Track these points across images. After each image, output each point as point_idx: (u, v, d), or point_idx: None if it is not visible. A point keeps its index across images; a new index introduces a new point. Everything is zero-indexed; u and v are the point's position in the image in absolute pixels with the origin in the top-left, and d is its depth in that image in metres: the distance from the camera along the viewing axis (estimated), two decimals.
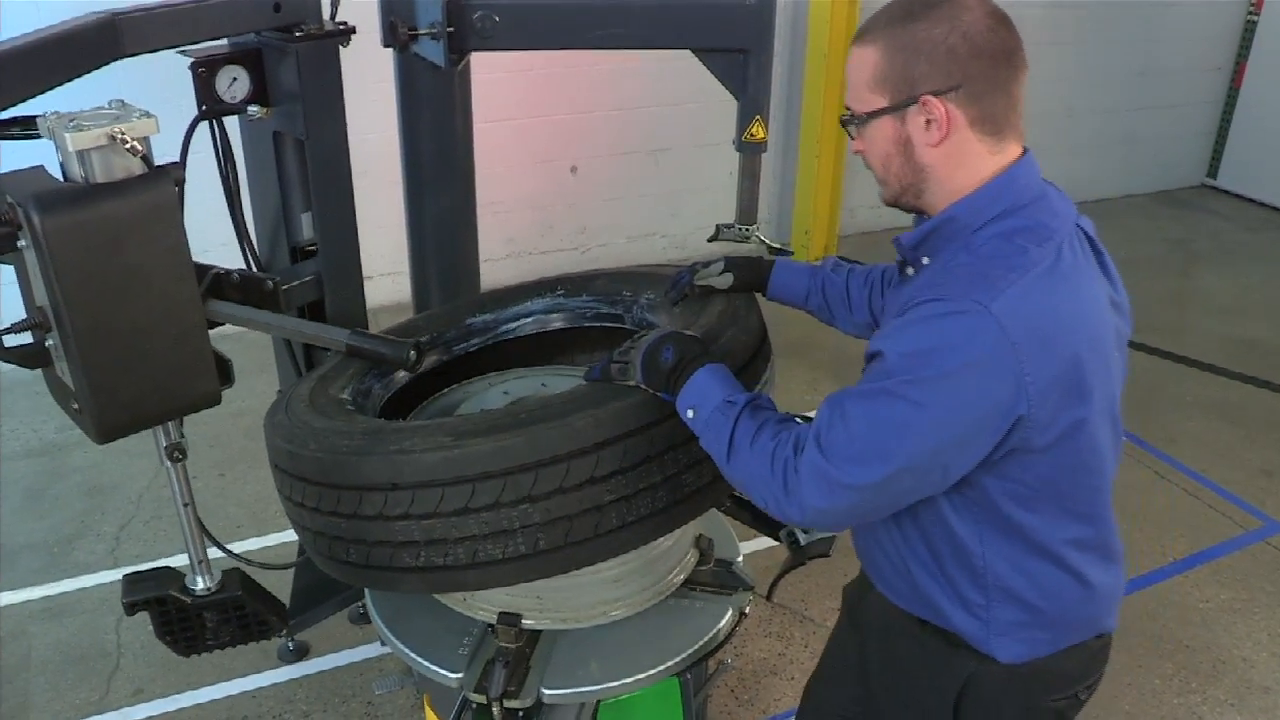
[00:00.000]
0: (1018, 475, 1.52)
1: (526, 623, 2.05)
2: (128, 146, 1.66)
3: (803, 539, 2.38)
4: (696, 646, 2.07)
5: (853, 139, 1.63)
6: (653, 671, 2.02)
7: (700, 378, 1.65)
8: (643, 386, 1.73)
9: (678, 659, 2.05)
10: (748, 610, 2.22)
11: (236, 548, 2.57)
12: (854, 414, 1.46)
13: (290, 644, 3.33)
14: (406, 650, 2.06)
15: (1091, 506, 1.63)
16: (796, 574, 2.50)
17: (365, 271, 2.62)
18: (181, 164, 2.19)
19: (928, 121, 1.51)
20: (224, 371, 2.02)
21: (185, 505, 2.12)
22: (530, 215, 6.10)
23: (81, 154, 1.66)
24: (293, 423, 1.97)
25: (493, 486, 1.70)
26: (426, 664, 2.03)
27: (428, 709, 2.10)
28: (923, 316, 1.43)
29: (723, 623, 2.14)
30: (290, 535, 3.68)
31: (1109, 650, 1.80)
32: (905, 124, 1.53)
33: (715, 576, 2.27)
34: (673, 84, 6.02)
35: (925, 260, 1.60)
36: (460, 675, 1.99)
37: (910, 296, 1.51)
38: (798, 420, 1.59)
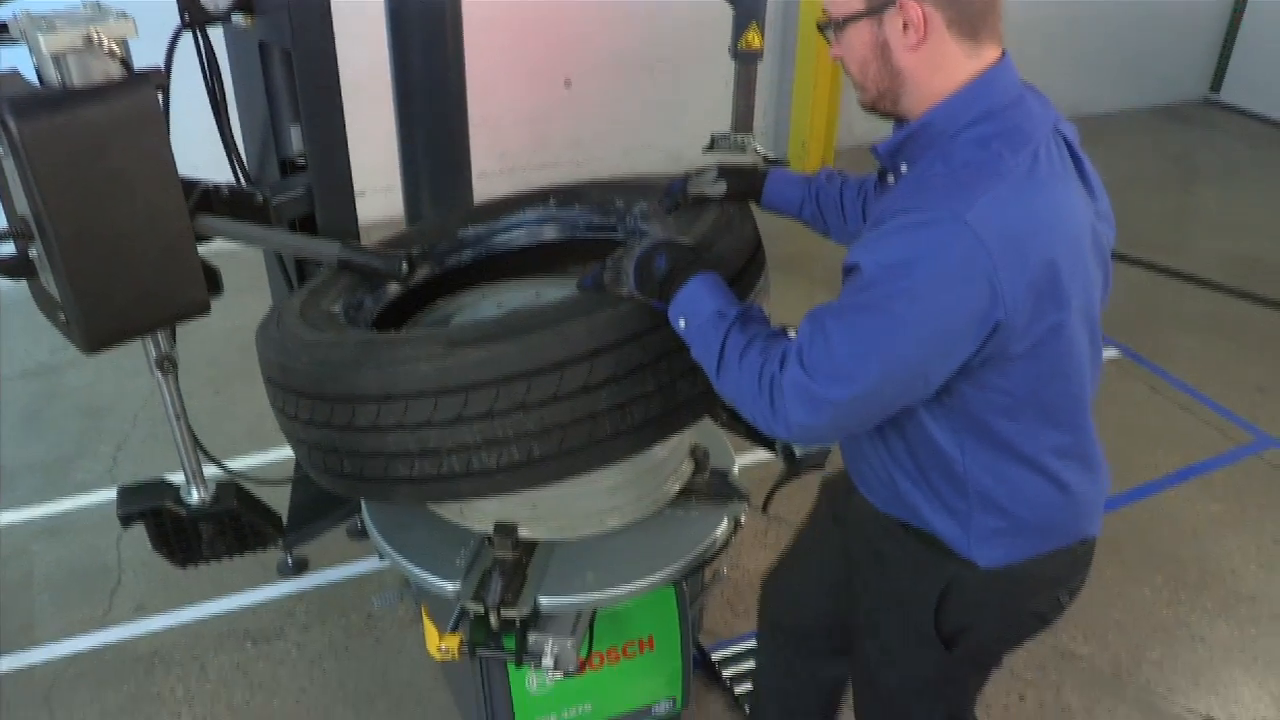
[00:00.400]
0: (996, 383, 1.54)
1: (523, 533, 2.07)
2: (105, 49, 1.62)
3: (798, 451, 2.38)
4: (692, 555, 2.09)
5: (830, 45, 1.62)
6: (649, 579, 2.04)
7: (692, 287, 1.65)
8: (636, 295, 1.72)
9: (674, 567, 2.07)
10: (743, 520, 2.24)
11: (234, 464, 2.58)
12: (834, 330, 1.47)
13: (289, 559, 3.36)
14: (404, 561, 2.08)
15: (1070, 414, 1.64)
16: (792, 486, 2.50)
17: (357, 186, 2.58)
18: (165, 74, 2.15)
19: (905, 25, 1.50)
20: (212, 280, 2.00)
21: (177, 417, 2.11)
22: (524, 129, 6.02)
23: (57, 57, 1.62)
24: (284, 336, 1.96)
25: (486, 395, 1.69)
26: (424, 574, 2.04)
27: (426, 620, 2.13)
28: (898, 227, 1.44)
29: (718, 531, 2.16)
30: (287, 451, 3.68)
31: (1092, 554, 1.82)
32: (882, 27, 1.53)
33: (711, 486, 2.29)
34: None
35: (904, 168, 1.59)
36: (457, 585, 2.01)
37: (886, 207, 1.51)
38: (789, 335, 1.59)
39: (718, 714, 2.88)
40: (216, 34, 2.37)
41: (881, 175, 1.69)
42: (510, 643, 2.00)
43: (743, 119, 2.81)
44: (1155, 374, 4.54)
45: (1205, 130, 7.71)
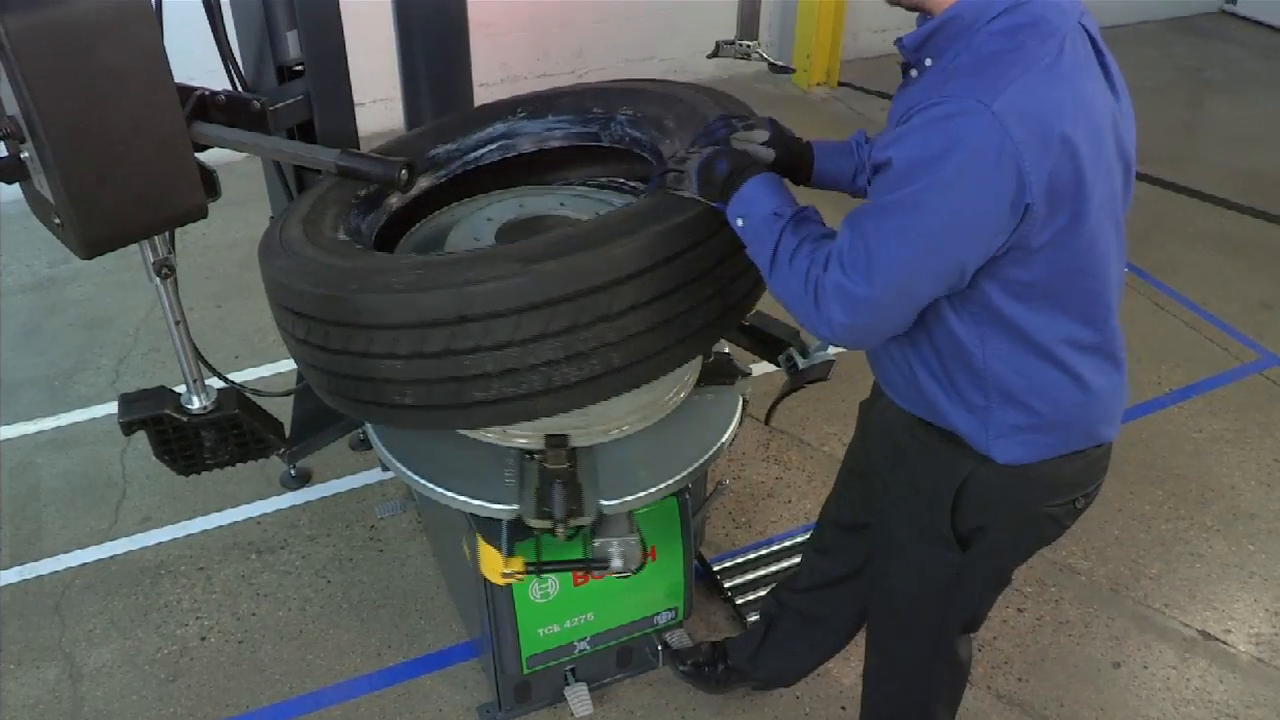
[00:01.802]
0: (1016, 274, 1.56)
1: (576, 442, 2.06)
2: None
3: (801, 363, 2.39)
4: (727, 435, 2.19)
5: None
6: (698, 463, 2.11)
7: (750, 186, 1.70)
8: (698, 196, 1.78)
9: (715, 448, 2.15)
10: (749, 395, 2.33)
11: (235, 377, 2.57)
12: (870, 231, 1.50)
13: (292, 471, 3.38)
14: (450, 493, 2.04)
15: (1091, 308, 1.65)
16: (794, 399, 2.51)
17: (356, 97, 2.54)
18: None
19: None
20: (210, 184, 1.98)
21: (176, 323, 2.11)
22: (524, 38, 5.89)
23: None
24: (314, 265, 1.88)
25: (570, 309, 1.69)
26: (479, 502, 2.01)
27: (483, 546, 2.08)
28: (927, 120, 1.45)
29: (737, 411, 2.27)
30: (289, 364, 3.69)
31: (1108, 460, 1.84)
32: None
33: (715, 368, 2.35)
34: None
35: (928, 62, 1.59)
36: (516, 506, 1.99)
37: (914, 100, 1.52)
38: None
39: (719, 625, 2.91)
40: None
41: (905, 70, 1.67)
42: (579, 552, 2.04)
43: (748, 25, 2.74)
44: (1160, 290, 4.51)
45: (1219, 42, 7.55)
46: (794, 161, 1.94)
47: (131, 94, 1.69)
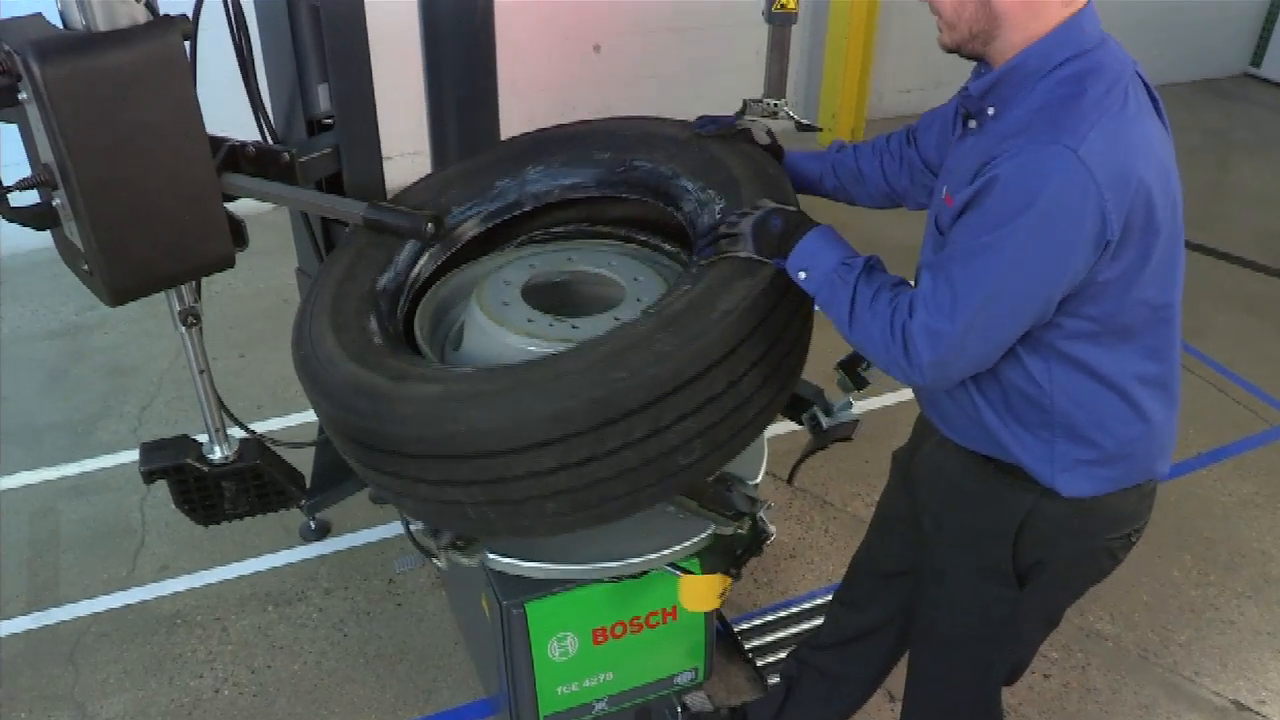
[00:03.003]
0: (1085, 309, 1.60)
1: None
2: None
3: (825, 423, 2.35)
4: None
5: None
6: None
7: (810, 240, 1.75)
8: (755, 256, 1.80)
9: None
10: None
11: (258, 427, 2.57)
12: (957, 274, 1.54)
13: (312, 523, 3.36)
14: (650, 556, 2.06)
15: (1156, 341, 1.69)
16: (817, 458, 2.47)
17: (385, 151, 2.55)
18: (193, 26, 2.11)
19: None
20: (238, 233, 1.98)
21: (201, 372, 2.10)
22: (552, 95, 5.96)
23: (81, 0, 1.59)
24: (407, 394, 1.76)
25: (686, 396, 1.68)
26: (680, 546, 2.08)
27: (689, 581, 2.15)
28: (1014, 165, 1.49)
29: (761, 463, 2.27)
30: (311, 415, 3.69)
31: (1154, 498, 1.87)
32: None
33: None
34: None
35: (990, 111, 1.64)
36: (709, 527, 2.11)
37: (986, 151, 1.56)
38: (910, 285, 1.69)
39: (739, 686, 2.86)
40: None
41: (964, 121, 1.72)
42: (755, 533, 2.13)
43: (775, 83, 2.76)
44: (1188, 352, 4.46)
45: (1244, 105, 7.56)
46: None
47: (163, 144, 1.70)
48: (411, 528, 2.02)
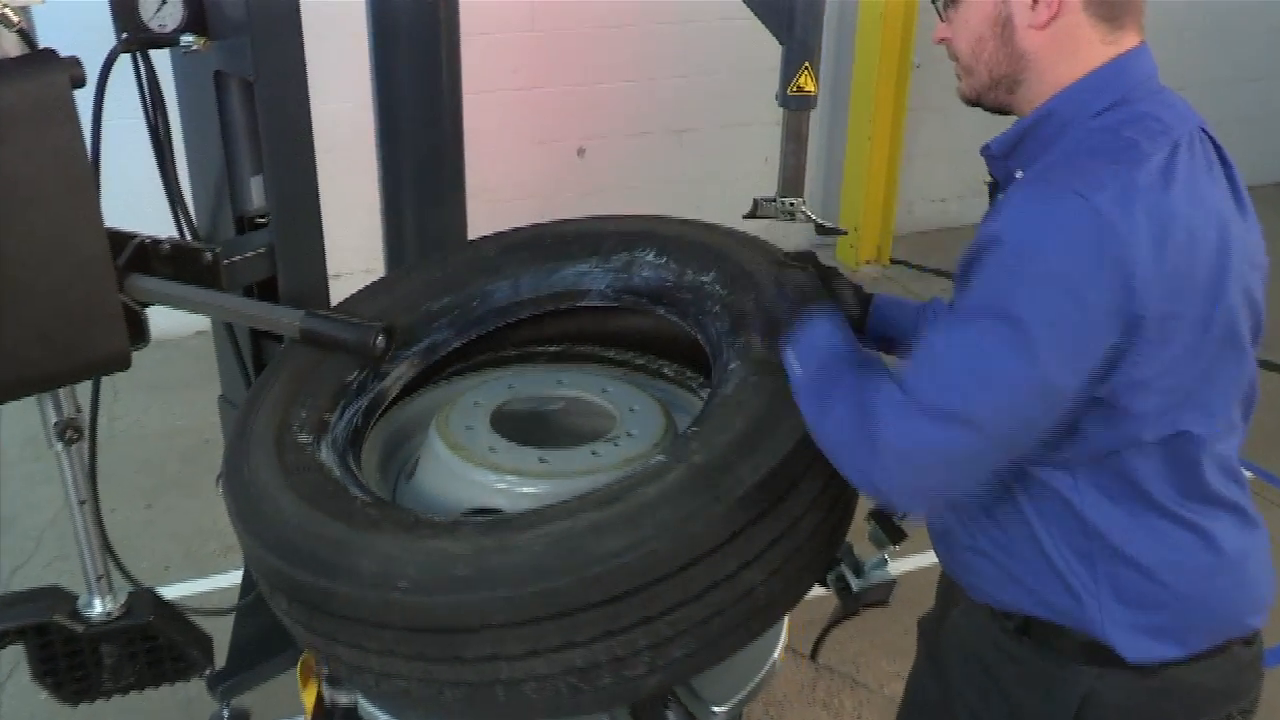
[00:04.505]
0: (1126, 410, 1.50)
1: None
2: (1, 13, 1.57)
3: (854, 584, 2.29)
4: (760, 673, 2.12)
5: (941, 19, 1.67)
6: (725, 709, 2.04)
7: (812, 328, 1.69)
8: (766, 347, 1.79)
9: (745, 690, 2.08)
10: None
11: (167, 592, 2.47)
12: (938, 340, 1.51)
13: (225, 710, 3.22)
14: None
15: (1226, 447, 1.62)
16: (845, 629, 2.39)
17: (332, 269, 2.56)
18: (97, 105, 2.14)
19: None
20: (136, 327, 1.94)
21: (81, 503, 2.05)
22: (530, 205, 6.00)
23: None
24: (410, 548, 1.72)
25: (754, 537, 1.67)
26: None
27: None
28: (1014, 213, 1.46)
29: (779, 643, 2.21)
30: (232, 578, 3.59)
31: (1261, 662, 1.74)
32: (1008, 1, 1.56)
33: None
34: (699, 49, 5.97)
35: (1019, 174, 1.61)
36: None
37: (996, 207, 1.54)
38: None
39: None
40: (162, 59, 2.35)
41: (992, 192, 1.71)
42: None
43: (792, 180, 2.75)
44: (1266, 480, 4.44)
45: None
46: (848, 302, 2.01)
47: (39, 206, 1.65)
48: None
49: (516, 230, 2.50)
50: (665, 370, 2.42)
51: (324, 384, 2.12)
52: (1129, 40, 1.56)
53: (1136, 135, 1.48)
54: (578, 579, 1.57)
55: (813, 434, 1.64)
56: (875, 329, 2.08)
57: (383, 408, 2.19)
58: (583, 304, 2.34)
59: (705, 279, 2.16)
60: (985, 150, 1.67)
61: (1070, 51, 1.54)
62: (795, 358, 1.68)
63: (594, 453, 1.97)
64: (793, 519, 1.73)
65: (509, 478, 1.92)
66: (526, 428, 2.18)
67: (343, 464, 1.98)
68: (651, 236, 2.33)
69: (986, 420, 1.46)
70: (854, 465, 1.55)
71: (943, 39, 1.68)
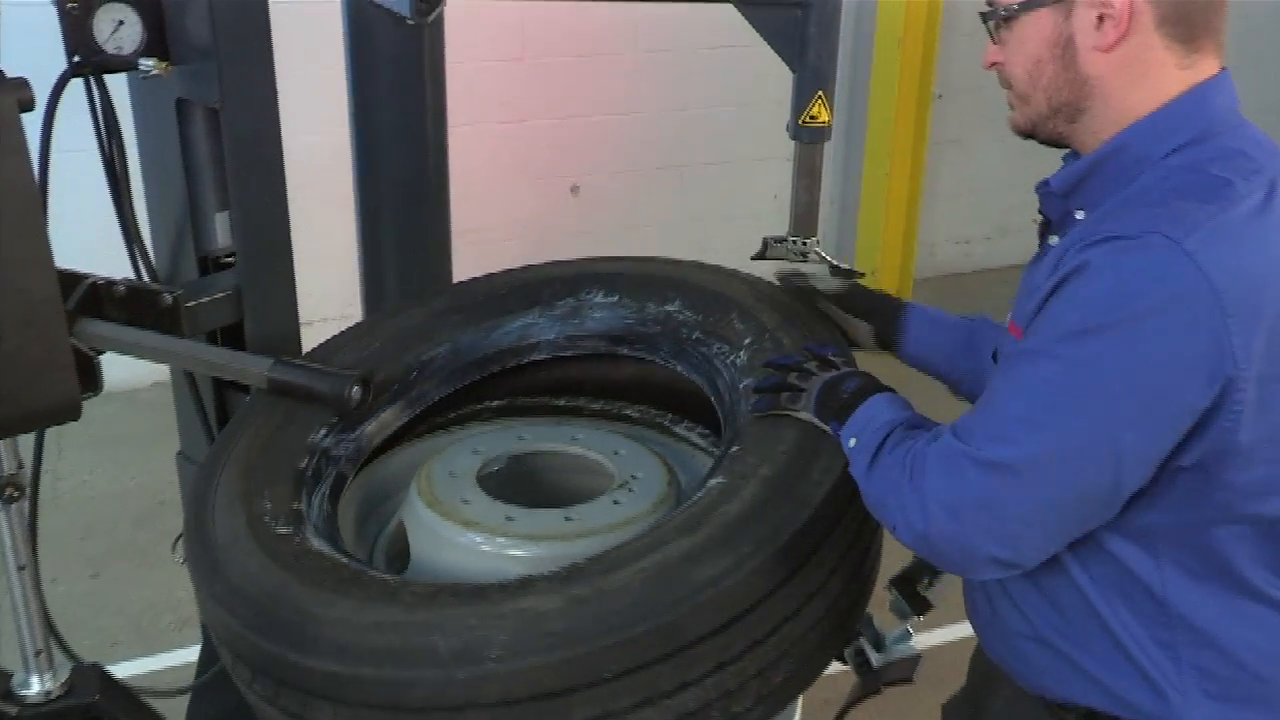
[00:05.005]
0: (1223, 480, 1.47)
1: None
2: None
3: (875, 659, 2.28)
4: None
5: (993, 40, 1.64)
6: None
7: (873, 403, 1.72)
8: (813, 419, 1.80)
9: None
10: None
11: (115, 671, 2.46)
12: (999, 387, 1.50)
13: None
14: None
15: None
16: (867, 709, 2.38)
17: (305, 316, 2.57)
18: (45, 132, 2.16)
19: (1101, 17, 1.50)
20: (88, 374, 1.94)
21: (20, 568, 2.03)
22: (519, 247, 6.05)
23: None
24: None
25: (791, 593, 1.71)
26: None
27: None
28: (1091, 256, 1.42)
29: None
30: (187, 655, 3.57)
31: None
32: (1069, 19, 1.54)
33: None
34: (703, 80, 6.01)
35: (1079, 215, 1.58)
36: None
37: (1061, 250, 1.51)
38: None
39: None
40: (119, 84, 2.36)
41: (1043, 234, 1.68)
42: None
43: (804, 218, 2.77)
44: None
45: None
46: (876, 319, 2.09)
47: None
48: None
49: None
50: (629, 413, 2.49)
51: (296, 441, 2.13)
52: (1207, 65, 1.53)
53: (1228, 173, 1.45)
54: (691, 609, 1.60)
55: (862, 493, 1.66)
56: (911, 352, 2.10)
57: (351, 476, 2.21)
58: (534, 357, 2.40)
59: (671, 309, 2.25)
60: (1043, 187, 1.64)
61: (1141, 77, 1.51)
62: (850, 434, 1.70)
63: (616, 501, 2.03)
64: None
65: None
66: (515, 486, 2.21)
67: (331, 534, 1.99)
68: (595, 277, 2.41)
69: (1040, 474, 1.44)
70: (900, 517, 1.55)
71: (994, 63, 1.65)
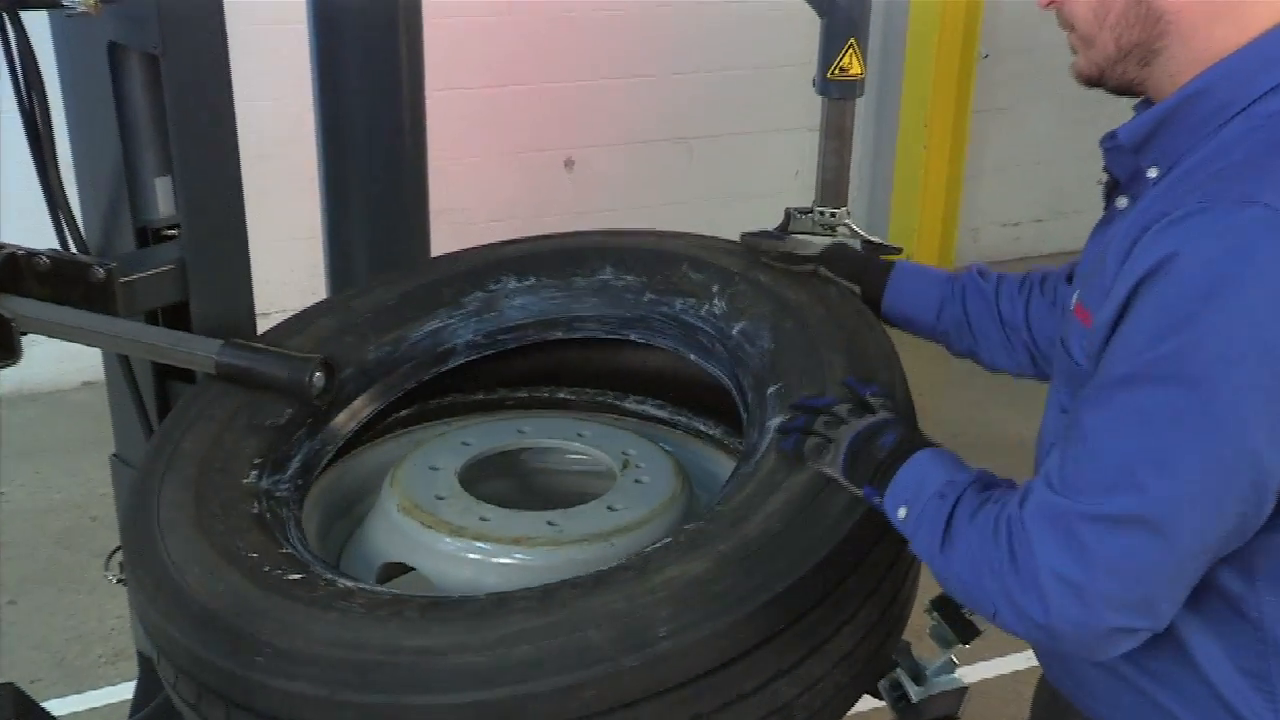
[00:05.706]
0: None
1: None
2: None
3: (914, 693, 2.27)
4: None
5: None
6: None
7: (916, 463, 1.70)
8: (839, 478, 1.80)
9: None
10: None
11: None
12: (1093, 424, 1.45)
13: None
14: None
15: None
16: None
17: (262, 307, 2.57)
18: None
19: None
20: (4, 339, 1.93)
21: None
22: (507, 227, 6.02)
23: None
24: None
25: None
26: None
27: None
28: (1180, 237, 1.38)
29: None
30: (118, 691, 3.57)
31: None
32: None
33: None
34: (713, 41, 6.00)
35: (1152, 173, 1.55)
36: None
37: (1134, 223, 1.47)
38: None
39: None
40: (39, 24, 2.33)
41: (1109, 195, 1.66)
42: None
43: (832, 185, 2.77)
44: None
45: None
46: (859, 279, 2.16)
47: None
48: None
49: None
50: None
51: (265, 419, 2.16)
52: None
53: None
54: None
55: (938, 578, 1.65)
56: (893, 306, 2.15)
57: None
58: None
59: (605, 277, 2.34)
60: (1109, 140, 1.60)
61: (1225, 8, 1.47)
62: (897, 504, 1.69)
63: (609, 507, 2.09)
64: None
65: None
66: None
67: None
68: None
69: (1177, 521, 1.41)
70: (1005, 604, 1.51)
71: (1053, 1, 1.61)
